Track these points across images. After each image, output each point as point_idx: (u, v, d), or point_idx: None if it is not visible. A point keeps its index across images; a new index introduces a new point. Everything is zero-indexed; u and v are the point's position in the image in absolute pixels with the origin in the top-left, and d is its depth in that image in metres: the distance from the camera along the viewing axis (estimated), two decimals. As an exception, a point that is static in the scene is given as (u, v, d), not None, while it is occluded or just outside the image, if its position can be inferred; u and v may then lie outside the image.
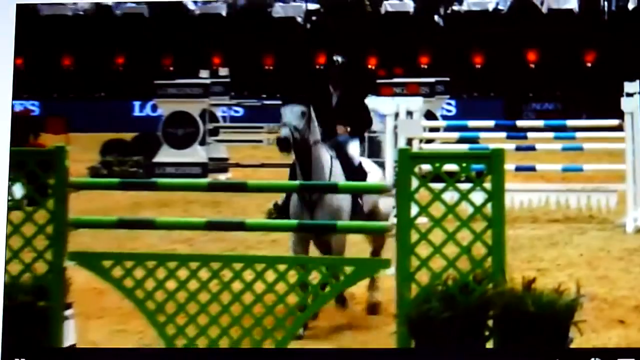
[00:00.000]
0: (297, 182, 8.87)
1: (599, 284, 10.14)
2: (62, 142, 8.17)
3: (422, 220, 7.20)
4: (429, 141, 15.07)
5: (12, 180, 7.70)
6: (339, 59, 10.20)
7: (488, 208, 7.12)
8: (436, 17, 27.93)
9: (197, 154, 18.80)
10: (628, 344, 8.27)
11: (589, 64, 26.43)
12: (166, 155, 18.73)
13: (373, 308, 9.50)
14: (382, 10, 28.14)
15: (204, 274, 7.47)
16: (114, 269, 7.53)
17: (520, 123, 15.03)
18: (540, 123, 15.19)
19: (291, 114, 8.89)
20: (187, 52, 26.99)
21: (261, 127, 19.22)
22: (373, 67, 26.54)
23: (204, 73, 21.33)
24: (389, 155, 13.39)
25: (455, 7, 27.99)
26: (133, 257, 7.64)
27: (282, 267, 7.48)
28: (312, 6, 28.58)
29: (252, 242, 11.81)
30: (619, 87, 15.27)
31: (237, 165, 19.12)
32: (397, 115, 13.79)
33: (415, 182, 7.19)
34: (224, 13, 28.45)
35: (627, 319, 9.02)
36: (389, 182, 10.34)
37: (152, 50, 27.59)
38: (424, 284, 7.10)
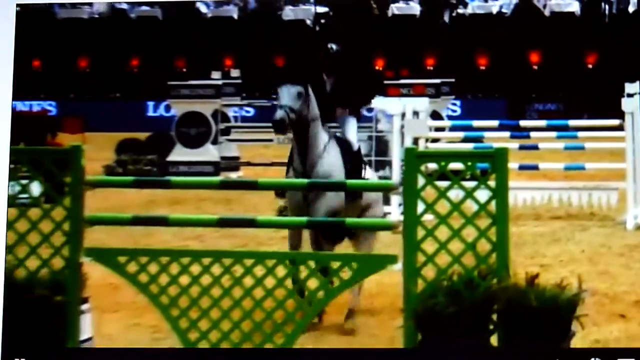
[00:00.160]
0: (305, 180, 8.83)
1: (600, 279, 10.22)
2: (78, 142, 8.20)
3: (428, 218, 7.28)
4: (435, 140, 15.05)
5: (30, 178, 7.77)
6: (333, 46, 10.19)
7: (492, 205, 7.19)
8: (442, 20, 27.98)
9: (209, 153, 18.80)
10: (628, 337, 8.37)
11: (590, 66, 26.40)
12: (179, 154, 18.73)
13: (351, 313, 9.09)
14: (389, 13, 28.22)
15: (216, 269, 7.52)
16: (129, 265, 7.59)
17: (523, 123, 15.13)
18: (542, 123, 15.12)
19: (288, 94, 8.94)
20: (199, 54, 26.97)
21: (271, 127, 19.19)
22: (380, 69, 26.60)
23: (216, 74, 21.33)
24: (396, 154, 13.49)
25: (460, 10, 28.03)
26: (147, 253, 7.69)
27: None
28: (321, 9, 28.63)
29: (263, 238, 11.83)
30: (619, 88, 15.30)
31: (248, 163, 19.09)
32: (404, 115, 13.91)
33: (421, 180, 7.28)
34: (235, 16, 28.48)
35: (627, 314, 9.12)
36: (396, 180, 10.42)
37: (165, 52, 27.57)
38: (430, 279, 7.20)
